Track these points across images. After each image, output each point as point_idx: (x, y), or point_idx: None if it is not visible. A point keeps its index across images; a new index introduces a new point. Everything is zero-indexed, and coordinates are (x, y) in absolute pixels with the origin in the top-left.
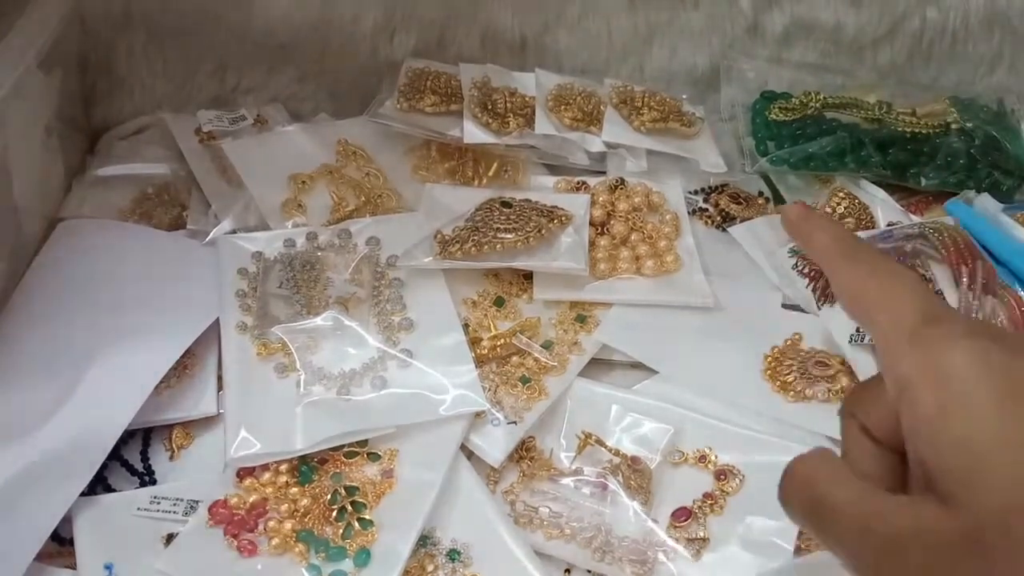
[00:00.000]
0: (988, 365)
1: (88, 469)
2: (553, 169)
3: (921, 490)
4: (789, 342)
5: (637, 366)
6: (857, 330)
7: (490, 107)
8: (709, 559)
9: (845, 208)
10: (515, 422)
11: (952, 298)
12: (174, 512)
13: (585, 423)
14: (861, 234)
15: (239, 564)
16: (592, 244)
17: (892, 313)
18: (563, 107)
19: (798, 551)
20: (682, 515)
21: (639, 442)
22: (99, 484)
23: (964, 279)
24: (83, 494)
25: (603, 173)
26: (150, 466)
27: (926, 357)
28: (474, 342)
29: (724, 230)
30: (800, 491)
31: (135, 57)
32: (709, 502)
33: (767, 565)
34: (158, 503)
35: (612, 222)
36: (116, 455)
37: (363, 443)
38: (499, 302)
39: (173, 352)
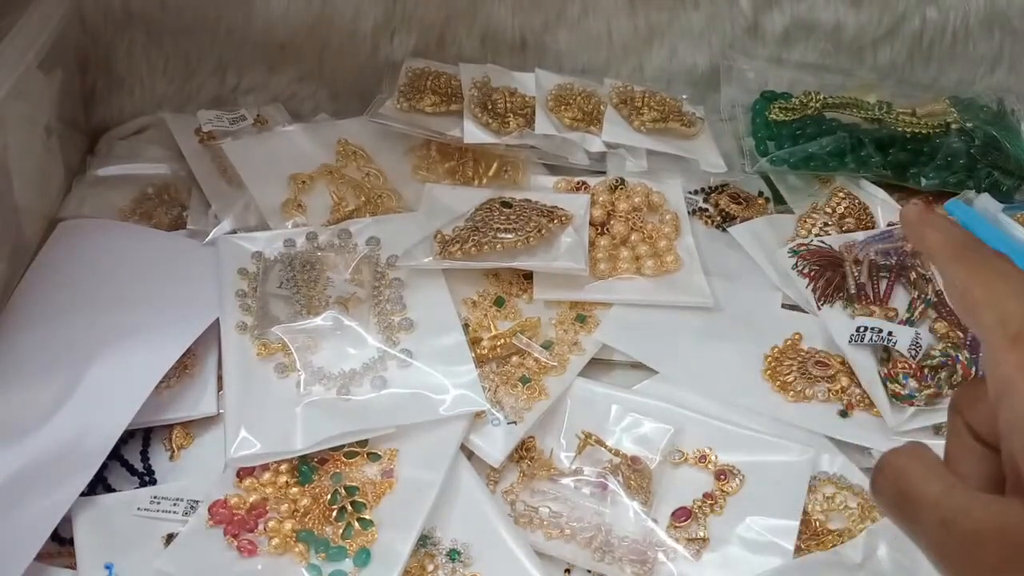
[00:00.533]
0: None
1: (88, 469)
2: (553, 169)
3: (1013, 492)
4: (789, 342)
5: (637, 366)
6: (857, 330)
7: (490, 107)
8: (709, 559)
9: (845, 208)
10: (515, 422)
11: None
12: (174, 512)
13: (585, 423)
14: (860, 235)
15: (239, 564)
16: (592, 244)
17: (998, 313)
18: (563, 107)
19: (798, 551)
20: (682, 515)
21: (639, 442)
22: (99, 484)
23: None
24: (83, 494)
25: (603, 173)
26: (150, 466)
27: None
28: (474, 342)
29: (724, 230)
30: (891, 483)
31: (135, 57)
32: (709, 502)
33: (767, 565)
34: (158, 503)
35: (612, 222)
36: (116, 455)
37: (363, 443)
38: (499, 302)
39: (173, 352)
